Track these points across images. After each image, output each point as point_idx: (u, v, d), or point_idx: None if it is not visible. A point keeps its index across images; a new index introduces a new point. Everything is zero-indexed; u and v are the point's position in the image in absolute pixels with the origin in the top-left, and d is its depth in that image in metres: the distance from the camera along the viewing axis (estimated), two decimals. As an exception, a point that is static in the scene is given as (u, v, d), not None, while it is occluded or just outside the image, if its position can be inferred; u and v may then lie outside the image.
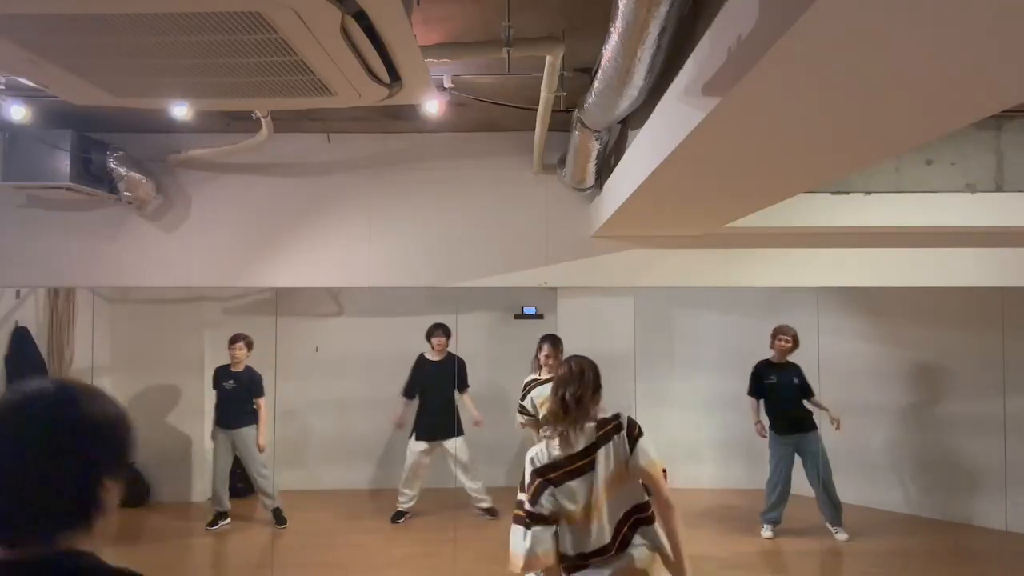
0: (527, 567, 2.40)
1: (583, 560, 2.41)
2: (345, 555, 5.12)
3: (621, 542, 2.40)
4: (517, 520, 2.45)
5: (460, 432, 5.68)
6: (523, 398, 4.63)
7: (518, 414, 4.68)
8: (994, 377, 5.51)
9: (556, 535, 2.41)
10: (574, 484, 2.40)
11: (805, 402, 5.36)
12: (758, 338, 6.03)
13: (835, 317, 5.91)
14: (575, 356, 2.61)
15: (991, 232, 3.85)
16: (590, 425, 2.46)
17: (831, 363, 5.51)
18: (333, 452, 6.62)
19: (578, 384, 2.48)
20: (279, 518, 5.60)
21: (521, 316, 6.70)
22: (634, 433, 2.46)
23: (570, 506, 2.40)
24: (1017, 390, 5.42)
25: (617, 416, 2.49)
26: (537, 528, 2.39)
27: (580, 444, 2.42)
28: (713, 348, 6.53)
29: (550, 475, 2.43)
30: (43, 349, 5.58)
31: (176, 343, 6.32)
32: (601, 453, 2.42)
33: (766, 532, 5.39)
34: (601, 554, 2.39)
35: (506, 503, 5.91)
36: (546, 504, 2.40)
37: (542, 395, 4.40)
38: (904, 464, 5.99)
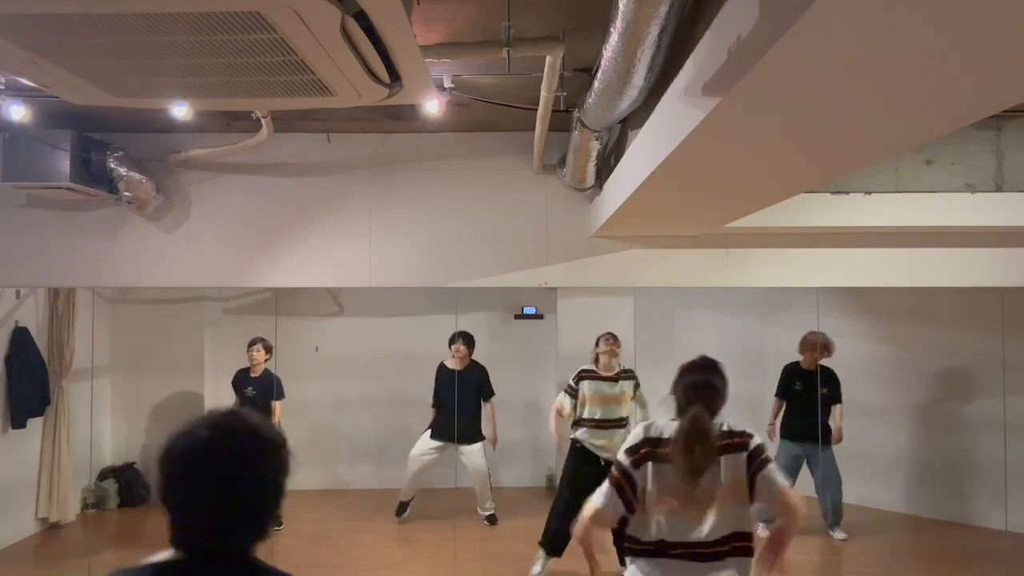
0: (592, 520, 2.31)
1: (670, 548, 2.24)
2: (345, 555, 5.12)
3: (713, 554, 2.26)
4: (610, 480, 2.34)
5: (480, 438, 5.67)
6: (575, 383, 4.75)
7: (567, 398, 4.75)
8: (994, 377, 5.51)
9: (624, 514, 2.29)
10: (670, 463, 2.28)
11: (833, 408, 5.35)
12: (758, 338, 6.04)
13: (835, 317, 5.91)
14: (695, 406, 2.29)
15: (991, 232, 3.85)
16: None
17: (831, 363, 5.51)
18: (333, 452, 6.63)
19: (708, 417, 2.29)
20: (277, 520, 5.62)
21: (521, 316, 6.71)
22: (759, 458, 2.30)
23: (671, 484, 2.26)
24: (1017, 390, 5.42)
25: (743, 433, 2.34)
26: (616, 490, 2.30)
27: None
28: (713, 348, 6.49)
29: (657, 449, 2.30)
30: (43, 349, 5.58)
31: (176, 343, 6.32)
32: (722, 460, 2.27)
33: (762, 531, 5.39)
34: (693, 548, 2.23)
35: (507, 503, 5.93)
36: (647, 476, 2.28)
37: (589, 392, 4.66)
38: (904, 464, 5.99)
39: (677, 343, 6.66)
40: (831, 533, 5.35)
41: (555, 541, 4.58)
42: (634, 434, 2.39)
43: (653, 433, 2.33)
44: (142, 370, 6.29)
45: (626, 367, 4.82)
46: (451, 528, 5.49)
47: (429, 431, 5.70)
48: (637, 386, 4.78)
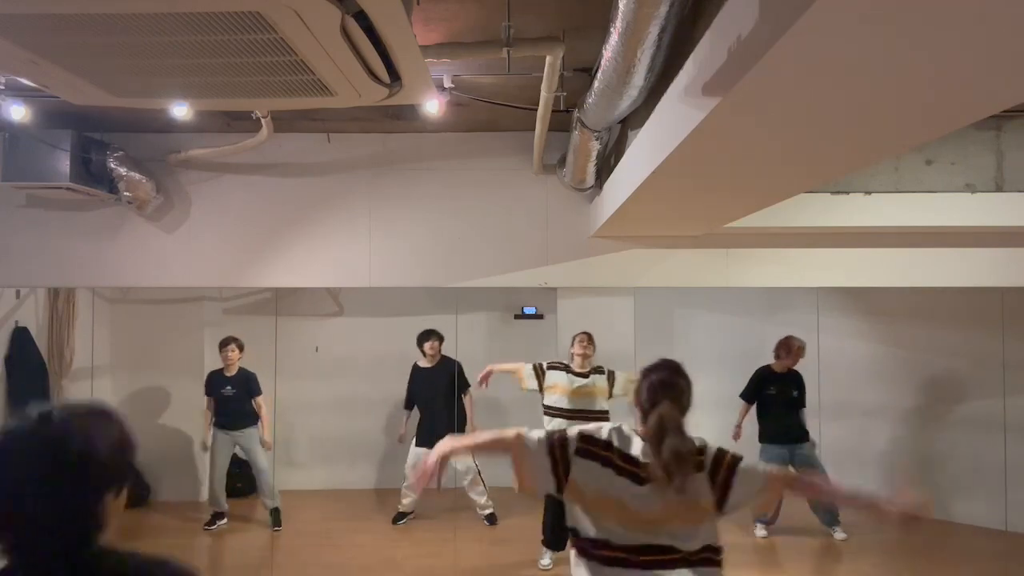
0: (519, 455, 2.11)
1: (628, 553, 2.01)
2: (345, 555, 5.12)
3: (666, 562, 2.00)
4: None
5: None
6: (546, 366, 4.80)
7: (531, 370, 4.80)
8: (994, 377, 5.51)
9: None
10: (622, 479, 2.03)
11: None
12: (758, 338, 6.03)
13: (835, 317, 5.91)
14: (663, 403, 2.04)
15: (991, 232, 3.85)
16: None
17: (831, 363, 5.51)
18: (333, 452, 6.62)
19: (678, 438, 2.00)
20: (276, 519, 5.59)
21: (521, 316, 6.71)
22: (721, 472, 2.05)
23: (603, 488, 2.04)
24: (1017, 390, 5.42)
25: (702, 450, 2.06)
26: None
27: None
28: (713, 348, 6.53)
29: (595, 449, 2.07)
30: (43, 349, 5.58)
31: (176, 343, 6.32)
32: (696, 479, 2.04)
33: (760, 531, 5.38)
34: (655, 553, 2.00)
35: (507, 503, 5.92)
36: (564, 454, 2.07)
37: (561, 382, 4.70)
38: (904, 464, 5.99)
39: (677, 343, 6.65)
40: (832, 532, 5.34)
41: (555, 538, 4.66)
42: (600, 426, 2.15)
43: (618, 442, 2.08)
44: (142, 370, 6.29)
45: (597, 365, 4.82)
46: (451, 528, 5.49)
47: (414, 441, 5.67)
48: (612, 380, 4.77)
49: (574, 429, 2.15)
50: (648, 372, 2.15)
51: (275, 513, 5.60)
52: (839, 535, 5.31)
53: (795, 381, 5.38)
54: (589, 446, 2.09)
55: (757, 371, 5.50)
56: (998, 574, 4.96)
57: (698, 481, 2.03)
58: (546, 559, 4.75)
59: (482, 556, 5.14)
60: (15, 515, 1.10)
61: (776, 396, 5.37)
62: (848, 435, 5.48)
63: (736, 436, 5.41)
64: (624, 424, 2.16)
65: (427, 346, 5.68)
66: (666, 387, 2.08)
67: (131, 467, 1.22)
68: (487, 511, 5.71)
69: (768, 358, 5.51)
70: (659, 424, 2.02)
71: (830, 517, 5.34)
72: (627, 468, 2.05)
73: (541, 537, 4.76)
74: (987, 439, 5.55)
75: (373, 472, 6.59)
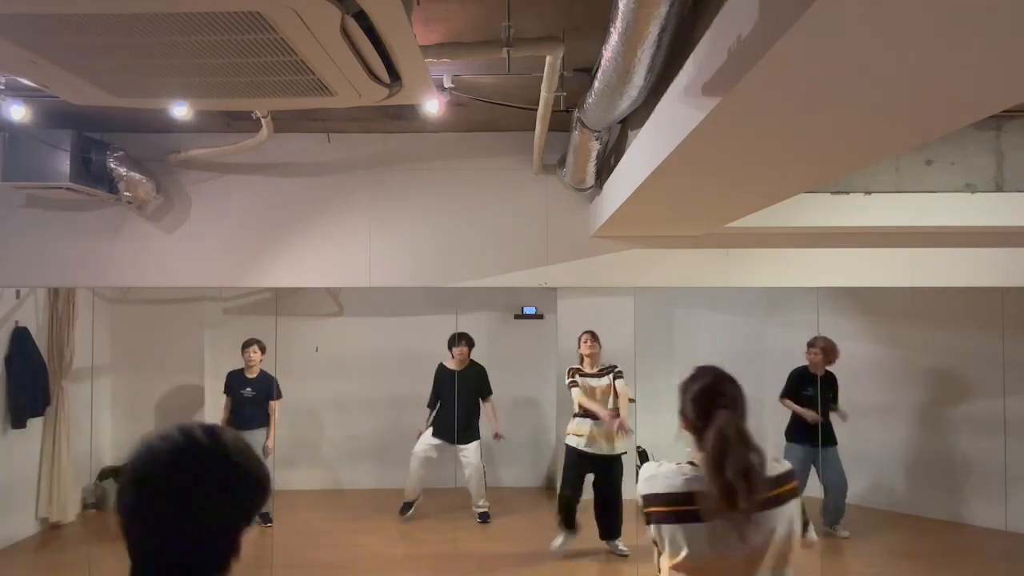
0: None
1: None
2: (345, 555, 5.12)
3: None
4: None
5: (476, 437, 5.70)
6: (570, 379, 4.97)
7: (573, 389, 4.93)
8: (994, 377, 5.51)
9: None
10: (718, 526, 1.71)
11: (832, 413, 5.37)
12: (758, 338, 6.04)
13: (835, 317, 5.91)
14: (719, 413, 1.76)
15: (991, 232, 3.85)
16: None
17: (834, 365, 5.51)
18: (333, 452, 6.63)
19: (743, 448, 1.71)
20: (266, 518, 5.62)
21: (521, 316, 6.71)
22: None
23: (704, 551, 1.73)
24: (1017, 390, 5.42)
25: (791, 473, 1.82)
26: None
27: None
28: (713, 348, 6.53)
29: (680, 508, 1.76)
30: (43, 349, 5.58)
31: (176, 343, 6.32)
32: (777, 513, 1.74)
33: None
34: None
35: (507, 502, 5.93)
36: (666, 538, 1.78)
37: (591, 382, 4.90)
38: (904, 464, 5.99)
39: (677, 343, 6.65)
40: (834, 531, 5.34)
41: (567, 518, 4.86)
42: (646, 479, 1.84)
43: (661, 487, 1.80)
44: (142, 370, 6.29)
45: (610, 364, 4.97)
46: (451, 528, 5.50)
47: (431, 429, 5.72)
48: (618, 376, 4.91)
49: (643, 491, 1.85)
50: (689, 384, 1.87)
51: (265, 514, 5.62)
52: (843, 532, 5.31)
53: (830, 382, 5.44)
54: (653, 509, 1.80)
55: (794, 371, 5.55)
56: (998, 574, 4.96)
57: (796, 512, 1.78)
58: (558, 540, 4.81)
59: (482, 555, 5.14)
60: (169, 522, 1.04)
61: (813, 397, 5.38)
62: (847, 435, 5.47)
63: (814, 419, 5.30)
64: (651, 464, 1.89)
65: (455, 351, 5.73)
66: (715, 394, 1.81)
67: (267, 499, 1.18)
68: (482, 510, 5.74)
69: (767, 358, 5.51)
70: (719, 438, 1.71)
71: (834, 516, 5.34)
72: (687, 511, 1.74)
73: (558, 518, 4.86)
74: (987, 439, 5.55)
75: (373, 472, 6.59)
